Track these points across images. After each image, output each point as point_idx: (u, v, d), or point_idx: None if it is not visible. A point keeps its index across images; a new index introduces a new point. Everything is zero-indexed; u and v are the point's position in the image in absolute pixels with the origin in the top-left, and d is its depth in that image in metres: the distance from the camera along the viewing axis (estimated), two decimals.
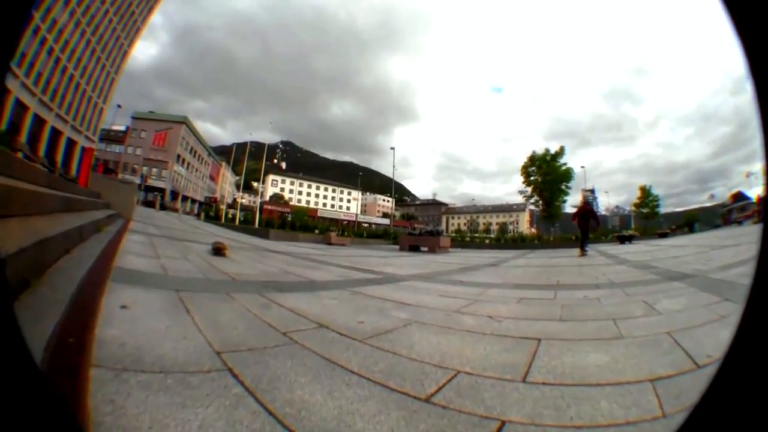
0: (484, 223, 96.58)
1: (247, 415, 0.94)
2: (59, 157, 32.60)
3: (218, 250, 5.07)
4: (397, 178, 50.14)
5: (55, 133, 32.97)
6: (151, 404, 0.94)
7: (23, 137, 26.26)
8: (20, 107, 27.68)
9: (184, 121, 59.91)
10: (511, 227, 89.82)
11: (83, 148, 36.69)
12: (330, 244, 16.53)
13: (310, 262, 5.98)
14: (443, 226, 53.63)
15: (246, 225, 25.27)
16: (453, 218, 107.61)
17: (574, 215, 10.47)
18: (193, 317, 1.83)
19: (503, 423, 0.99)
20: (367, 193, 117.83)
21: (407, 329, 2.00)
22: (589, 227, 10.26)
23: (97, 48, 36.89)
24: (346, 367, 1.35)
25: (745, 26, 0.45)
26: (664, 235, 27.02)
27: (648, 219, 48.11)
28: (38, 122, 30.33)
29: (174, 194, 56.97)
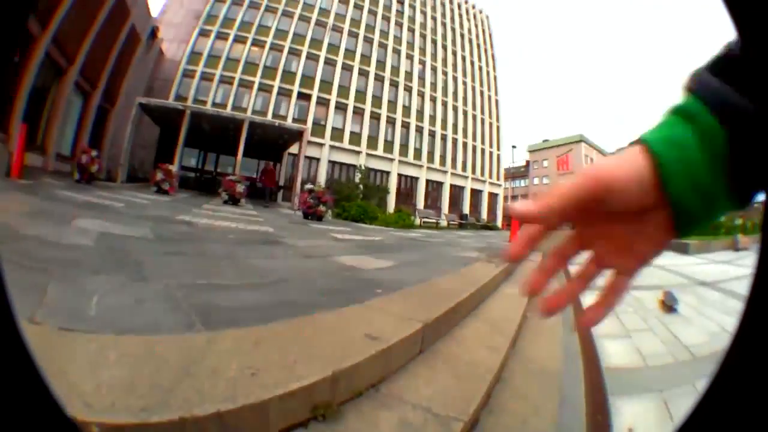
0: None
1: None
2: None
3: None
4: None
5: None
6: None
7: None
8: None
9: (580, 140, 58.26)
10: None
11: (489, 194, 41.15)
12: None
13: None
14: None
15: None
16: None
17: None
18: None
19: None
20: None
21: None
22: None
23: (460, 107, 40.43)
24: None
25: (745, 26, 0.38)
26: None
27: None
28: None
29: None
